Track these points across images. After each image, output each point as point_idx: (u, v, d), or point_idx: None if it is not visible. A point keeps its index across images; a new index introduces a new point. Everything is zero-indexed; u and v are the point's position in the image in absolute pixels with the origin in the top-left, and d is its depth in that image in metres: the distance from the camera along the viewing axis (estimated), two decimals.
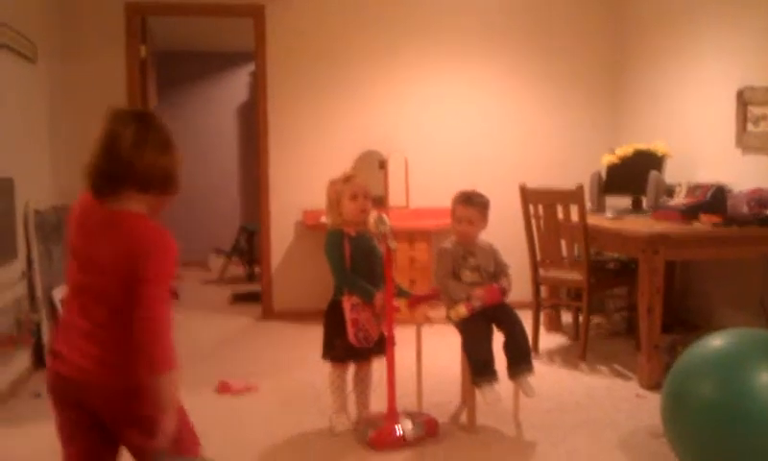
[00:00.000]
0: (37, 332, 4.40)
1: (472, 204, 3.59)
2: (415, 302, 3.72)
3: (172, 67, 8.58)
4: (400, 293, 3.60)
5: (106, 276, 1.94)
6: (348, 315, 3.38)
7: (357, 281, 3.41)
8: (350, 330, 3.37)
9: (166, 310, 1.93)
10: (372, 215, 3.38)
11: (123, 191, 1.98)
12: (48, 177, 4.99)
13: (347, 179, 3.52)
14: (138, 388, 1.90)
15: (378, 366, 3.52)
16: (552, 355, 4.76)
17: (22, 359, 4.28)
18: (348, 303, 3.39)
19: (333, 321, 3.44)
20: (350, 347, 3.39)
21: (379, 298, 3.40)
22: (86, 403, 1.98)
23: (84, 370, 1.95)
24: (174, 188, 2.07)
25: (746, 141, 4.60)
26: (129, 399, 1.94)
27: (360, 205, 3.44)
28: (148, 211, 2.04)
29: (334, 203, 3.49)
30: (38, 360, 4.41)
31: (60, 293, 4.54)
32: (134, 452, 2.06)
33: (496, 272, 3.61)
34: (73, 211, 2.09)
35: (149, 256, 1.92)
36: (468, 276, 3.56)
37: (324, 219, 3.68)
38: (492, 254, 3.64)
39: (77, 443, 2.05)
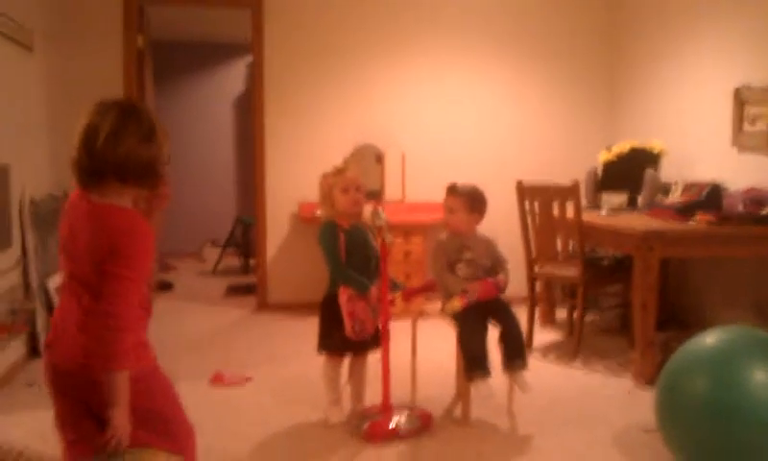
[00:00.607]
0: (32, 321, 4.40)
1: (456, 192, 3.58)
2: (409, 294, 3.72)
3: (169, 57, 8.54)
4: (395, 286, 3.59)
5: (87, 266, 1.93)
6: (345, 307, 3.36)
7: (351, 274, 3.40)
8: (348, 323, 3.35)
9: (128, 307, 1.89)
10: (368, 209, 3.37)
11: (106, 183, 1.94)
12: (45, 164, 4.97)
13: (338, 172, 3.51)
14: None
15: (373, 359, 3.52)
16: (546, 351, 4.77)
17: (16, 348, 4.27)
18: (344, 295, 3.38)
19: (329, 313, 3.44)
20: (346, 339, 3.39)
21: (374, 291, 3.39)
22: (76, 392, 1.97)
23: (72, 358, 1.95)
24: (154, 181, 1.99)
25: (742, 140, 4.61)
26: None
27: (352, 197, 3.44)
28: (140, 207, 2.00)
29: (327, 195, 3.48)
30: (33, 349, 4.41)
31: (54, 282, 4.54)
32: (130, 444, 2.05)
33: (493, 266, 3.60)
34: (67, 202, 2.09)
35: (119, 251, 1.88)
36: (462, 269, 3.56)
37: (318, 212, 3.67)
38: (489, 248, 3.62)
39: (73, 432, 2.04)
